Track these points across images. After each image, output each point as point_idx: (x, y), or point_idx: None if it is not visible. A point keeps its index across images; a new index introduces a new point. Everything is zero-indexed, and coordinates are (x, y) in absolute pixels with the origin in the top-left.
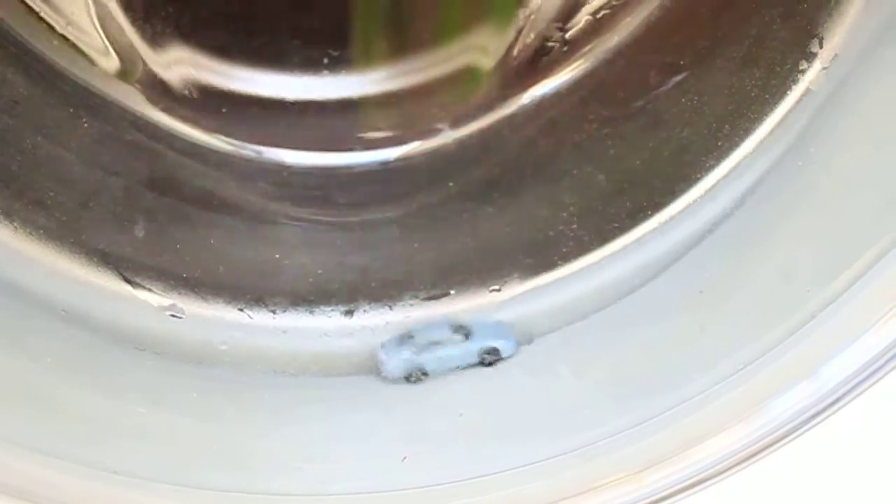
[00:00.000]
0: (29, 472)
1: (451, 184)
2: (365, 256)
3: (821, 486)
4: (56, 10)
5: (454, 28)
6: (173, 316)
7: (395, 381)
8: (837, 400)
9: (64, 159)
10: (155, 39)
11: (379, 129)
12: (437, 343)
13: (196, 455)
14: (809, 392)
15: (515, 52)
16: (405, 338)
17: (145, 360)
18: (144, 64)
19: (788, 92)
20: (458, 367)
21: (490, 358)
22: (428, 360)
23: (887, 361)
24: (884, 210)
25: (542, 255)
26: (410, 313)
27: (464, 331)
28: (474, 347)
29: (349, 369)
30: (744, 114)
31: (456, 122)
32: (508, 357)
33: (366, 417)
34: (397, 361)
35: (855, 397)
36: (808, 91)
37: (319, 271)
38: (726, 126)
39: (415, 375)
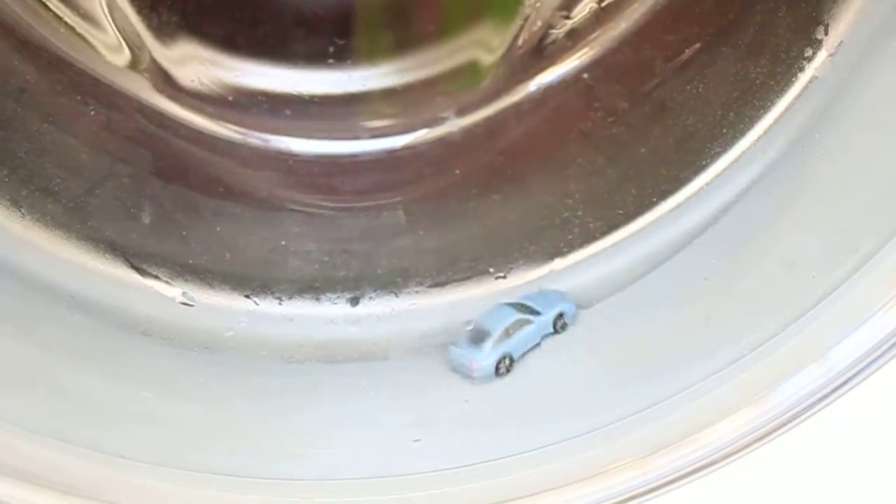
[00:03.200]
0: (37, 455)
1: (456, 172)
2: (370, 244)
3: (828, 469)
4: None
5: (460, 17)
6: (185, 304)
7: (486, 379)
8: (845, 383)
9: (71, 146)
10: (162, 29)
11: (385, 118)
12: (510, 329)
13: (203, 440)
14: (817, 375)
15: (521, 41)
16: (476, 334)
17: (152, 346)
18: (151, 53)
19: (794, 79)
20: (536, 344)
21: (560, 323)
22: (512, 346)
23: (891, 346)
24: (889, 196)
25: (548, 242)
26: (416, 301)
27: (528, 308)
28: (547, 319)
29: (355, 356)
30: (749, 101)
31: (462, 111)
32: (572, 321)
33: (371, 404)
34: (485, 359)
35: (863, 380)
36: (813, 78)
37: (325, 259)
38: (732, 114)
39: (503, 366)
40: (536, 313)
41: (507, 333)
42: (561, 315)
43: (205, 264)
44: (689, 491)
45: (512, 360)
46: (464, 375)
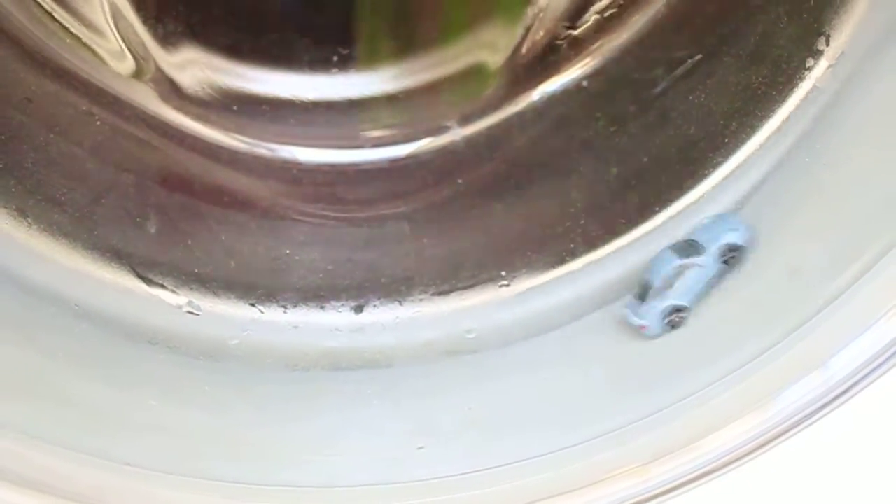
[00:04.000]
0: (43, 463)
1: (459, 181)
2: (374, 252)
3: (829, 476)
4: (69, 9)
5: (463, 26)
6: (190, 313)
7: (658, 335)
8: (846, 391)
9: (77, 156)
10: (167, 39)
11: (388, 127)
12: (671, 278)
13: (207, 447)
14: (819, 383)
15: (524, 50)
16: (641, 289)
17: (158, 354)
18: (156, 63)
19: (795, 89)
20: (707, 285)
21: (731, 256)
22: (678, 296)
23: (893, 354)
24: (890, 205)
25: (551, 250)
26: (420, 309)
27: (690, 248)
28: (711, 256)
29: (359, 364)
30: (751, 111)
31: (465, 120)
32: (745, 247)
33: (375, 411)
34: (654, 317)
35: (863, 388)
36: (814, 88)
37: (329, 267)
38: (733, 123)
39: (676, 319)
40: (699, 252)
41: (668, 283)
42: (728, 247)
43: (210, 273)
44: (692, 497)
45: (683, 310)
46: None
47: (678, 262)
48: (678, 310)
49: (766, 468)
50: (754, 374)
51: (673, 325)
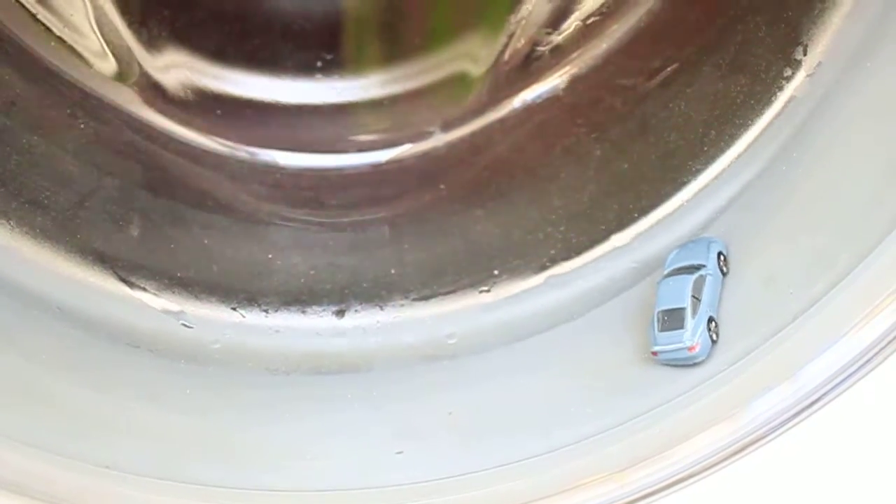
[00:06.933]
0: (22, 466)
1: (441, 186)
2: (356, 257)
3: (800, 485)
4: (54, 12)
5: (446, 33)
6: (184, 325)
7: (707, 352)
8: (816, 401)
9: (60, 159)
10: (151, 42)
11: (371, 132)
12: (695, 293)
13: (188, 451)
14: (789, 393)
15: (506, 56)
16: (670, 319)
17: (139, 357)
18: (140, 66)
19: (773, 98)
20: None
21: (724, 263)
22: (709, 307)
23: (864, 364)
24: (865, 215)
25: (531, 256)
26: (401, 313)
27: (693, 267)
28: (712, 266)
29: (340, 368)
30: (730, 119)
31: (447, 126)
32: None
33: (356, 415)
34: (701, 335)
35: (833, 399)
36: (792, 98)
37: (311, 272)
38: (712, 132)
39: (713, 331)
40: (702, 266)
41: (697, 299)
42: (720, 255)
43: (192, 277)
44: None
45: (715, 321)
46: (686, 363)
47: (691, 278)
48: (714, 322)
49: (738, 476)
50: (727, 383)
51: (714, 339)
